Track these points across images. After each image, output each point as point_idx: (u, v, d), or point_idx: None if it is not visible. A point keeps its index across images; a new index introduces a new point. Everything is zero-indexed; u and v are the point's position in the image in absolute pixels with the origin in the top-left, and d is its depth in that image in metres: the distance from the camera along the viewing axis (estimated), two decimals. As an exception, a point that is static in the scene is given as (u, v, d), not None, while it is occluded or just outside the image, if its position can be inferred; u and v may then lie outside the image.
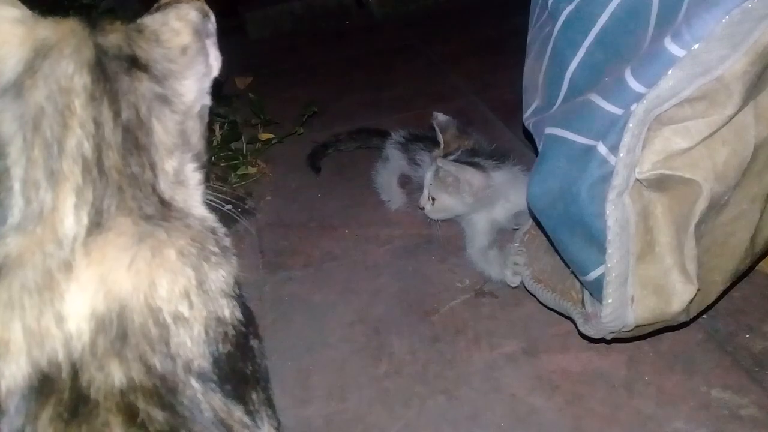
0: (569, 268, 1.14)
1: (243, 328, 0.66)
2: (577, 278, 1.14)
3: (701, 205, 0.94)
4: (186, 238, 0.63)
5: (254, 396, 0.67)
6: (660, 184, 0.94)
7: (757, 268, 1.33)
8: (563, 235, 1.07)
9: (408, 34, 3.03)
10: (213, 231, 0.67)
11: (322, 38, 3.15)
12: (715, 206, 0.96)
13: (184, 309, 0.60)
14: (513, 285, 1.37)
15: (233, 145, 1.98)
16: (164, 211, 0.64)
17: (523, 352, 1.25)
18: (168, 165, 0.66)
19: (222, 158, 1.94)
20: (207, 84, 0.72)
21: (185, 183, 0.67)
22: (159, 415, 0.57)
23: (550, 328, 1.29)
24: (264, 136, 2.02)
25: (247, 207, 1.82)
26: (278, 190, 1.90)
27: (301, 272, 1.57)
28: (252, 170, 1.93)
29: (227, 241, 0.68)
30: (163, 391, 0.58)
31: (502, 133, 2.02)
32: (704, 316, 1.25)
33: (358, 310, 1.43)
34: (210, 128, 1.98)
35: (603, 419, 1.10)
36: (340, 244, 1.64)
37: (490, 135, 2.01)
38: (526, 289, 1.31)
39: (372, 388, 1.23)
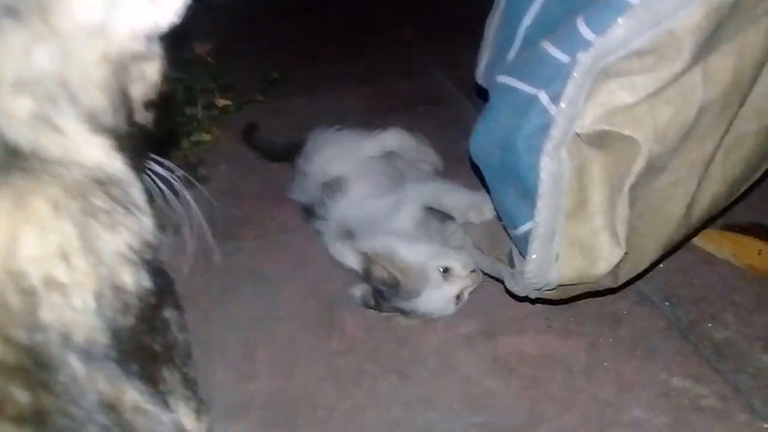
0: (502, 222, 1.10)
1: (152, 299, 0.57)
2: (507, 234, 1.10)
3: (638, 166, 0.90)
4: (58, 188, 0.52)
5: (167, 375, 0.60)
6: (599, 140, 0.90)
7: (718, 254, 1.31)
8: (498, 186, 1.03)
9: (378, 12, 2.95)
10: (106, 182, 0.55)
11: (290, 11, 3.04)
12: (653, 169, 0.92)
13: (59, 273, 0.50)
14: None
15: (188, 111, 1.89)
16: (16, 160, 0.52)
17: (481, 333, 1.21)
18: (15, 105, 0.53)
19: (175, 123, 1.84)
20: (136, 22, 0.58)
21: (61, 130, 0.55)
22: (22, 396, 0.48)
23: (509, 310, 1.25)
24: (221, 102, 1.93)
25: (199, 175, 1.73)
26: (233, 159, 1.81)
27: (253, 243, 1.49)
28: (206, 137, 1.84)
29: (136, 198, 0.58)
30: (32, 368, 0.49)
31: (468, 111, 1.97)
32: (666, 303, 1.22)
33: (311, 284, 1.36)
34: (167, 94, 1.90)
35: (560, 404, 1.06)
36: (297, 216, 1.56)
37: (456, 113, 1.97)
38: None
39: (321, 365, 1.17)
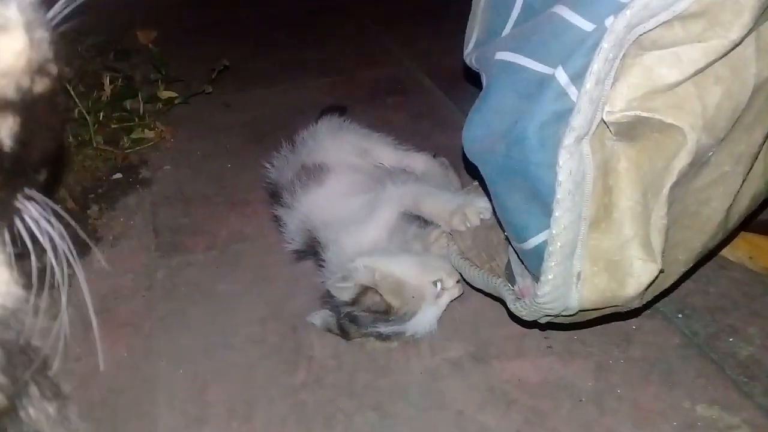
0: (504, 232, 0.93)
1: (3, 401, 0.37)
2: (510, 244, 0.93)
3: (682, 161, 0.73)
4: None
5: None
6: (630, 130, 0.73)
7: (732, 258, 1.16)
8: (500, 189, 0.85)
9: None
10: None
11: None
12: (696, 164, 0.76)
13: None
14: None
15: (128, 104, 1.67)
16: None
17: (471, 357, 1.04)
18: None
19: (113, 119, 1.63)
20: None
21: None
22: None
23: (502, 329, 1.08)
24: (165, 94, 1.72)
25: (140, 177, 1.52)
26: (180, 158, 1.60)
27: (202, 256, 1.29)
28: (149, 134, 1.63)
29: None
30: None
31: (441, 102, 1.80)
32: (679, 315, 1.07)
33: (270, 302, 1.17)
34: (99, 82, 1.69)
35: (570, 442, 0.90)
36: (252, 222, 1.37)
37: (427, 103, 1.80)
38: (454, 267, 1.09)
39: (285, 401, 0.99)
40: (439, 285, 1.07)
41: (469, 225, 1.05)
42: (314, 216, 1.21)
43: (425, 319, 1.06)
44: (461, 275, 1.05)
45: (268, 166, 1.36)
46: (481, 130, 0.81)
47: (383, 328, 1.05)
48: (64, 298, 0.42)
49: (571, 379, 0.99)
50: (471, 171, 0.97)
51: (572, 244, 0.76)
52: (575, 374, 0.99)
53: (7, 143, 0.39)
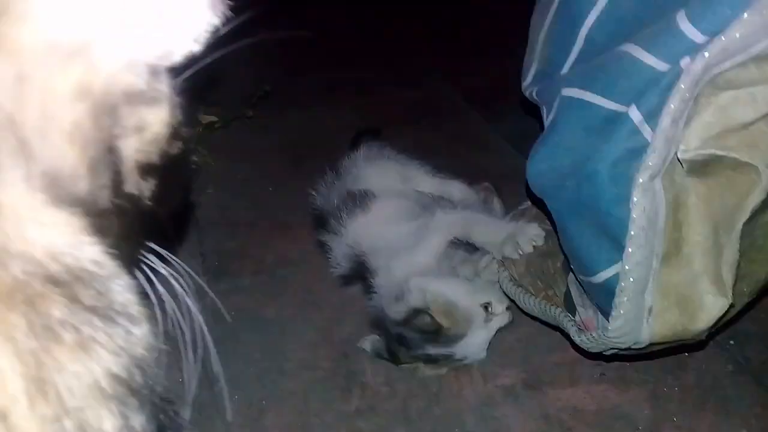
0: (569, 264, 0.93)
1: None
2: (576, 278, 0.93)
3: (756, 198, 0.74)
4: None
5: None
6: (703, 167, 0.74)
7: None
8: (569, 224, 0.87)
9: (366, 12, 2.77)
10: (69, 280, 0.35)
11: (268, 15, 2.85)
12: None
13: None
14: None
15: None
16: None
17: (524, 384, 1.04)
18: None
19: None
20: (136, 45, 0.39)
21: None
22: None
23: (553, 355, 1.09)
24: (206, 119, 1.74)
25: (185, 201, 1.54)
26: (222, 182, 1.62)
27: (250, 280, 1.31)
28: (192, 158, 1.65)
29: (120, 299, 0.37)
30: None
31: (476, 124, 1.81)
32: (731, 342, 1.07)
33: (320, 328, 1.18)
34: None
35: (629, 473, 0.90)
36: (297, 246, 1.38)
37: (462, 126, 1.81)
38: (505, 294, 1.10)
39: (341, 428, 1.00)
40: (488, 309, 1.08)
41: (521, 253, 1.06)
42: (362, 242, 1.22)
43: (474, 342, 1.07)
44: (515, 302, 1.06)
45: (313, 193, 1.38)
46: (546, 164, 0.83)
47: (432, 350, 1.06)
48: (189, 345, 0.44)
49: (626, 408, 0.99)
50: (529, 195, 0.99)
51: (644, 280, 0.77)
52: (630, 402, 1.00)
53: (148, 203, 0.41)
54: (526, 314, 1.06)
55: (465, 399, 1.03)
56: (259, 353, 1.14)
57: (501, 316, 1.09)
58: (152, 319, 0.38)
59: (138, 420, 0.35)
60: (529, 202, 1.14)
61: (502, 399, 1.02)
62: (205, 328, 0.48)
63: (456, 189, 1.37)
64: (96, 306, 0.35)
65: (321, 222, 1.32)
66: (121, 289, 0.37)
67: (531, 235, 1.07)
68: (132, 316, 0.36)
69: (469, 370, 1.07)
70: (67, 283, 0.34)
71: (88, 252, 0.36)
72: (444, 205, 1.23)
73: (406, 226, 1.20)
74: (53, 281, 0.34)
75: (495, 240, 1.10)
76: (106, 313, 0.35)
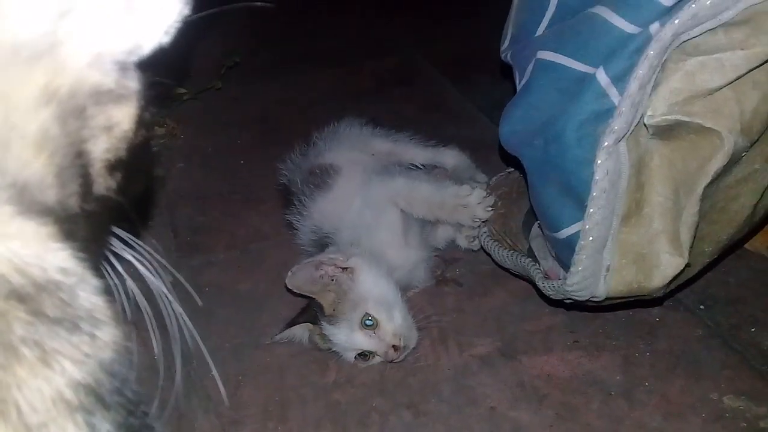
0: (536, 220, 0.96)
1: None
2: (542, 232, 0.96)
3: (718, 163, 0.75)
4: None
5: None
6: (667, 131, 0.75)
7: (750, 248, 1.18)
8: (537, 180, 0.88)
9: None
10: (32, 294, 0.33)
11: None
12: (729, 164, 0.78)
13: None
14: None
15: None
16: None
17: (500, 353, 1.05)
18: None
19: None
20: (102, 40, 0.37)
21: None
22: None
23: (527, 323, 1.10)
24: (175, 90, 1.71)
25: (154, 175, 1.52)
26: (192, 155, 1.60)
27: (224, 255, 1.30)
28: (160, 130, 1.61)
29: (87, 305, 0.35)
30: None
31: (448, 93, 1.79)
32: (701, 306, 1.09)
33: (295, 302, 1.17)
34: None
35: (603, 436, 0.91)
36: (271, 220, 1.37)
37: (436, 94, 1.80)
38: (483, 249, 1.13)
39: (319, 401, 1.00)
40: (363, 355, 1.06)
41: (478, 220, 1.09)
42: (324, 223, 1.21)
43: (339, 335, 1.05)
44: (491, 256, 1.09)
45: (281, 168, 1.34)
46: (520, 125, 0.84)
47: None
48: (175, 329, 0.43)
49: (599, 374, 1.00)
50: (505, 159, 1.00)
51: (603, 239, 0.79)
52: (603, 368, 1.01)
53: (114, 198, 0.40)
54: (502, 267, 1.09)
55: (441, 369, 1.04)
56: (234, 328, 1.13)
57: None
58: (120, 318, 0.37)
59: (105, 427, 0.34)
60: (512, 168, 1.15)
61: (477, 368, 1.03)
62: (180, 310, 0.47)
63: (449, 156, 1.36)
64: (60, 317, 0.33)
65: (286, 201, 1.29)
66: (87, 294, 0.35)
67: (483, 202, 1.08)
68: (98, 321, 0.35)
69: (445, 340, 1.08)
70: (31, 297, 0.33)
71: (55, 260, 0.35)
72: (392, 172, 1.21)
73: (358, 201, 1.18)
74: (17, 296, 0.32)
75: (440, 214, 1.11)
76: (72, 322, 0.34)
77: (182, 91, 1.71)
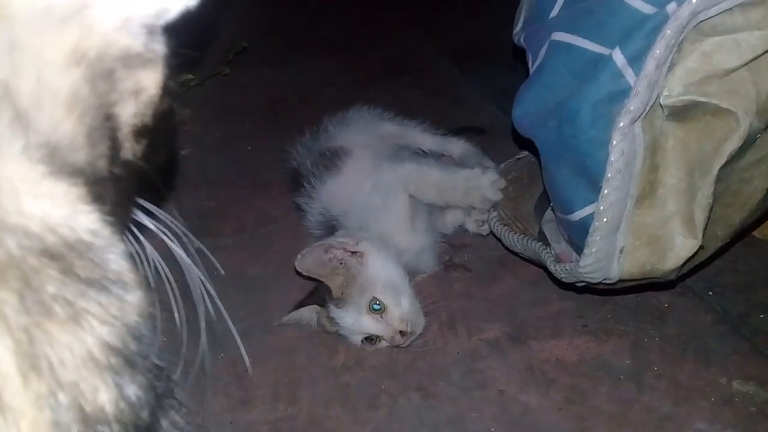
0: (549, 203, 0.96)
1: (143, 416, 0.36)
2: (555, 215, 0.96)
3: (733, 144, 0.75)
4: None
5: None
6: (683, 112, 0.75)
7: (759, 236, 1.18)
8: (550, 161, 0.88)
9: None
10: (64, 253, 0.34)
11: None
12: (745, 146, 0.78)
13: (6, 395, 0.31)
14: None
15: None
16: None
17: (509, 337, 1.05)
18: None
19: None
20: (130, 3, 0.37)
21: None
22: None
23: (536, 308, 1.10)
24: (181, 76, 1.70)
25: (161, 160, 1.52)
26: (200, 141, 1.60)
27: (232, 239, 1.30)
28: (176, 110, 1.61)
29: (115, 268, 0.36)
30: None
31: (456, 79, 1.79)
32: (710, 293, 1.09)
33: (303, 285, 1.17)
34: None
35: (611, 420, 0.91)
36: (279, 204, 1.37)
37: (443, 81, 1.79)
38: (492, 233, 1.13)
39: (328, 384, 1.00)
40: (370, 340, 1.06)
41: (491, 201, 1.09)
42: (333, 206, 1.20)
43: (347, 318, 1.05)
44: (501, 241, 1.09)
45: (290, 151, 1.34)
46: (533, 107, 0.83)
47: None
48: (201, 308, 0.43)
49: (608, 358, 1.00)
50: (518, 142, 1.00)
51: (617, 220, 0.79)
52: (612, 353, 1.01)
53: (140, 164, 0.40)
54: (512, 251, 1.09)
55: (450, 353, 1.04)
56: (243, 311, 1.13)
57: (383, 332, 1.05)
58: (146, 284, 0.37)
59: (132, 389, 0.35)
60: (526, 151, 1.15)
61: (486, 352, 1.03)
62: (203, 276, 0.47)
63: (456, 146, 1.36)
64: (90, 277, 0.34)
65: (295, 184, 1.29)
66: (116, 257, 0.36)
67: (494, 184, 1.09)
68: (126, 284, 0.35)
69: (454, 325, 1.08)
70: (62, 256, 0.33)
71: (85, 221, 0.35)
72: (403, 158, 1.21)
73: (368, 186, 1.17)
74: (49, 255, 0.33)
75: (451, 198, 1.12)
76: (101, 283, 0.34)
77: (189, 77, 1.71)
